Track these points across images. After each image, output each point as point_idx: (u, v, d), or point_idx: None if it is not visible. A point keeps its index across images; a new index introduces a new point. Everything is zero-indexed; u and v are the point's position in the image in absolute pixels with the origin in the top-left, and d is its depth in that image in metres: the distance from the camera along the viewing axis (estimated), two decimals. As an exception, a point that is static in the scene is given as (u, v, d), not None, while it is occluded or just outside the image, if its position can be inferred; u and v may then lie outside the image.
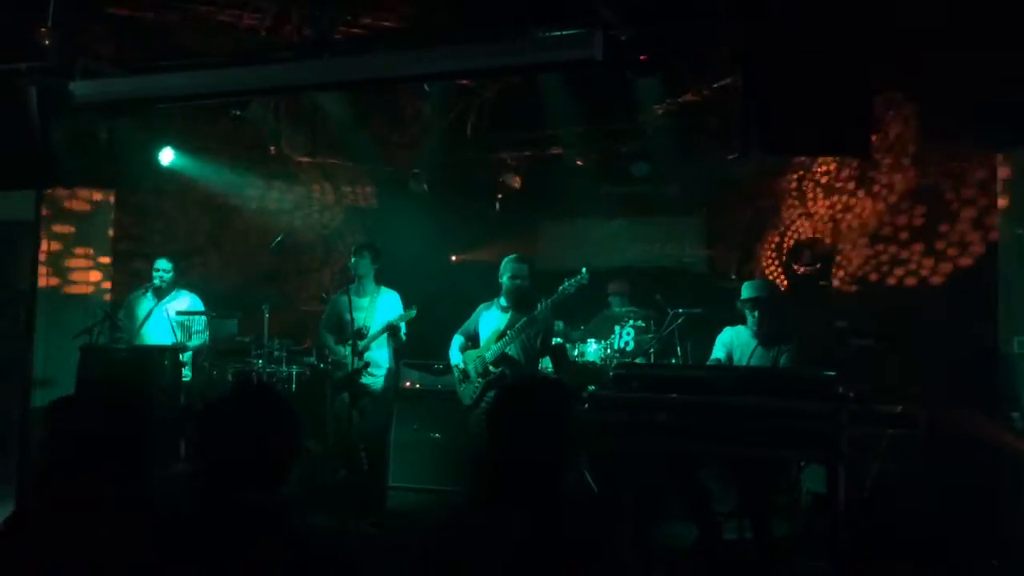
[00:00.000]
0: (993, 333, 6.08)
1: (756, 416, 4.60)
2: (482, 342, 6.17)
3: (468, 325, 6.31)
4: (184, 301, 7.06)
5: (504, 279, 6.15)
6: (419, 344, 7.31)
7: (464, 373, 6.18)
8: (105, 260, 8.16)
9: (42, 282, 7.83)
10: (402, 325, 6.45)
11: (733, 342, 5.88)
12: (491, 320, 6.20)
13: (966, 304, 6.30)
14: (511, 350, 6.02)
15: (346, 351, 6.34)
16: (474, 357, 6.13)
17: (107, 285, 8.10)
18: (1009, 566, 5.04)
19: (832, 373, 4.62)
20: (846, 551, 4.64)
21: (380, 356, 6.55)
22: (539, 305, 5.97)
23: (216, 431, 2.22)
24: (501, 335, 6.05)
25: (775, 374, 5.30)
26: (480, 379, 6.07)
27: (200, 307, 7.06)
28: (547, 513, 2.10)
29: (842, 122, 4.29)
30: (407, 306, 6.55)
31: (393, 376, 6.77)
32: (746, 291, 5.81)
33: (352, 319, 6.27)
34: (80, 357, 6.48)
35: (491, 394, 5.92)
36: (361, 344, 6.33)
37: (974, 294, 6.26)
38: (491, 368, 6.03)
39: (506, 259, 6.21)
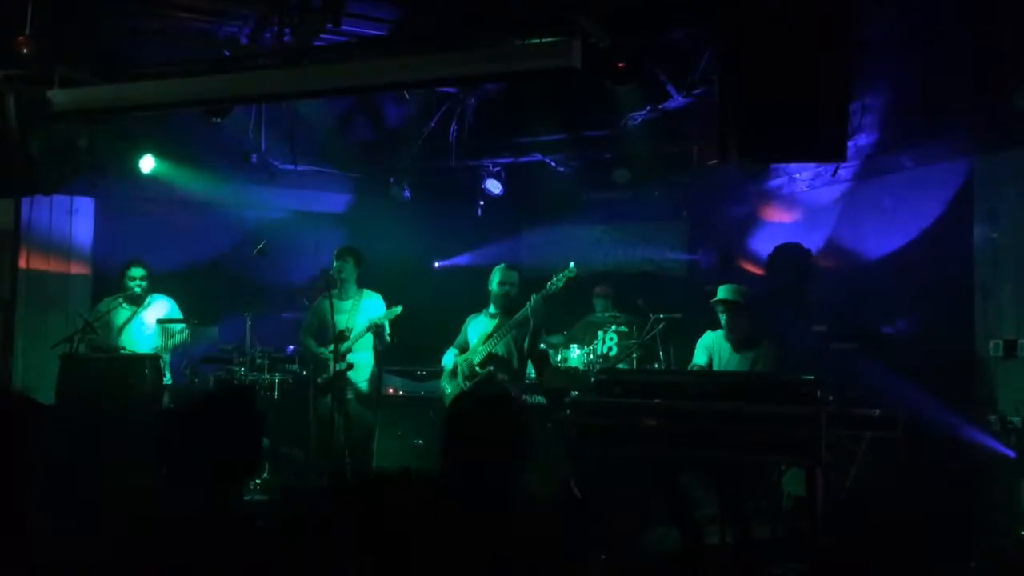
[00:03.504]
0: (970, 337, 6.14)
1: (736, 421, 4.63)
2: (471, 348, 6.22)
3: (459, 339, 6.36)
4: (162, 305, 7.02)
5: (493, 286, 6.21)
6: (401, 351, 7.31)
7: (451, 374, 6.22)
8: (85, 268, 8.11)
9: (21, 290, 7.80)
10: (386, 325, 6.42)
11: (713, 346, 5.93)
12: (479, 327, 6.27)
13: (943, 308, 6.35)
14: (498, 349, 6.05)
15: (329, 353, 6.32)
16: (463, 360, 6.17)
17: (87, 293, 8.04)
18: (987, 568, 5.09)
19: (811, 377, 4.66)
20: (825, 554, 4.67)
21: (364, 358, 6.52)
22: (530, 299, 6.00)
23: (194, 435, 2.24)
24: (488, 337, 6.09)
25: (755, 379, 5.33)
26: (467, 381, 6.10)
27: (177, 311, 7.03)
28: (497, 518, 2.12)
29: (819, 127, 4.33)
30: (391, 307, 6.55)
31: (376, 381, 6.75)
32: (719, 293, 5.88)
33: (334, 322, 6.25)
34: (60, 366, 6.42)
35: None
36: (344, 346, 6.31)
37: (950, 298, 6.32)
38: (477, 369, 6.07)
39: (496, 267, 6.29)
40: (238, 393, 2.56)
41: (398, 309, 6.44)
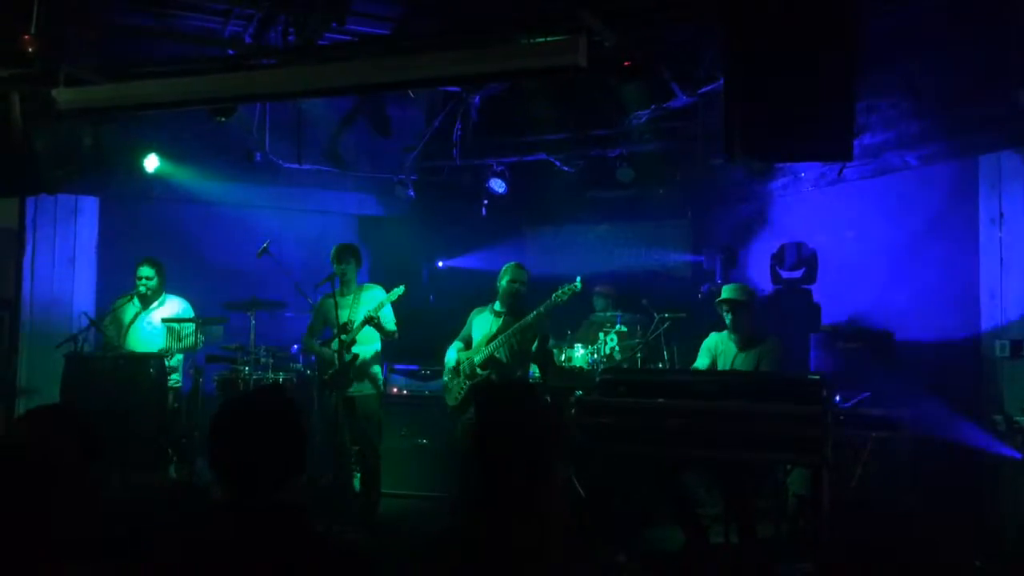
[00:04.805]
0: (976, 337, 6.12)
1: (741, 420, 4.63)
2: (474, 345, 6.21)
3: (464, 332, 6.35)
4: (173, 305, 6.99)
5: (503, 282, 6.19)
6: (405, 350, 7.29)
7: (453, 371, 6.21)
8: (90, 267, 8.12)
9: (26, 289, 7.80)
10: (388, 311, 6.33)
11: (717, 347, 5.92)
12: (483, 323, 6.24)
13: (949, 308, 6.34)
14: (500, 353, 6.04)
15: (333, 346, 6.29)
16: (465, 358, 6.17)
17: (92, 293, 8.05)
18: (991, 566, 5.07)
19: (816, 376, 4.65)
20: (831, 553, 4.67)
21: (369, 351, 6.45)
22: (532, 312, 5.99)
23: (237, 434, 2.25)
24: (492, 338, 6.08)
25: (760, 378, 5.32)
26: (467, 381, 6.09)
27: (190, 311, 7.00)
28: (537, 514, 2.11)
29: (824, 126, 4.32)
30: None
31: (380, 366, 6.67)
32: (723, 292, 5.89)
33: (337, 317, 6.21)
34: (65, 365, 6.41)
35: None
36: (346, 337, 6.25)
37: (956, 298, 6.30)
38: (478, 371, 6.05)
39: (507, 264, 6.26)
40: (277, 393, 2.55)
41: (400, 289, 6.35)
